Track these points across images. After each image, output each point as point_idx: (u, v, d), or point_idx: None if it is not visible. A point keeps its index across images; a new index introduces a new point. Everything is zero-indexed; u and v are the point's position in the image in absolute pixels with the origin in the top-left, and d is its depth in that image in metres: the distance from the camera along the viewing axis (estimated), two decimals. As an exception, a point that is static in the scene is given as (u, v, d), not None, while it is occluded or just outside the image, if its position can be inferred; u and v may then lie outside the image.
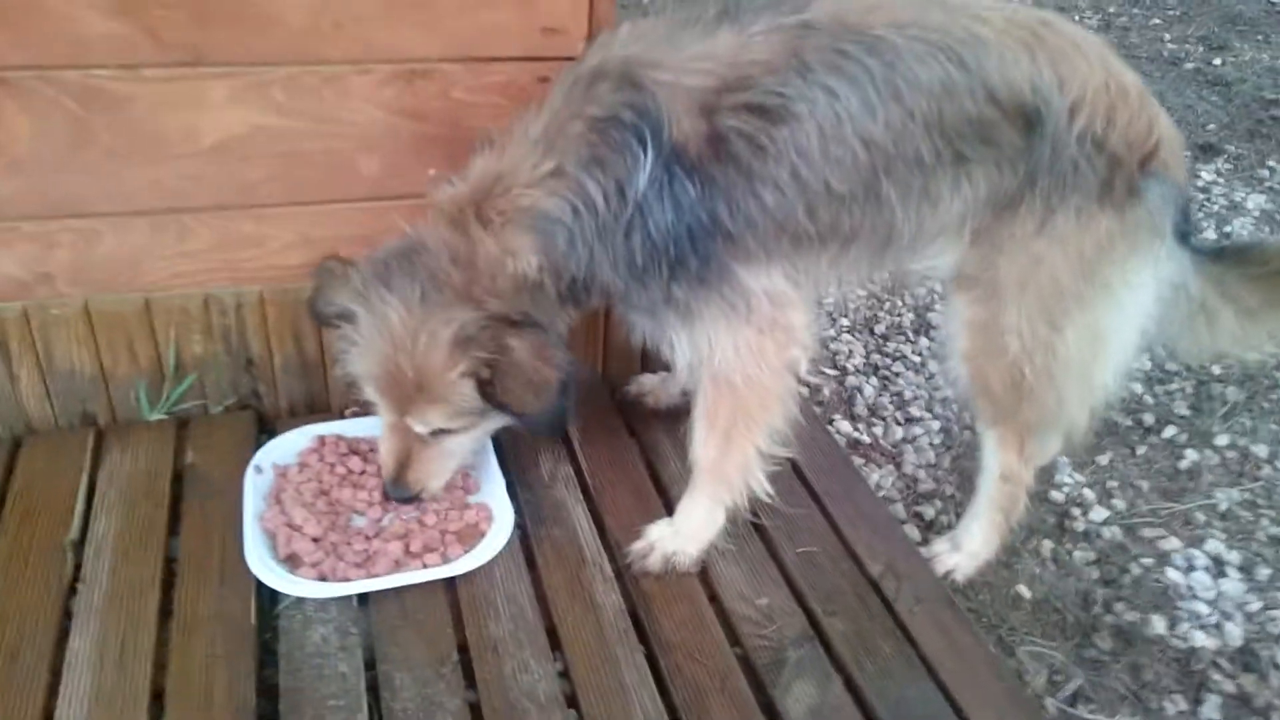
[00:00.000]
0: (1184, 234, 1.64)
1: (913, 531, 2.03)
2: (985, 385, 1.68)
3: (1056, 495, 2.12)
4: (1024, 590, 1.89)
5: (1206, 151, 3.73)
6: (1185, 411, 2.40)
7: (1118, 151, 1.49)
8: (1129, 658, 1.76)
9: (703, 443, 1.67)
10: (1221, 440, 2.30)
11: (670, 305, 1.53)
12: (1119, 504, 2.11)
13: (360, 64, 1.75)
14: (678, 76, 1.42)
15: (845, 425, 2.32)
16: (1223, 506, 2.12)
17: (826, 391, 2.42)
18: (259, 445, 1.86)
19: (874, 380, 2.50)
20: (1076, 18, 5.40)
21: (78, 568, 1.60)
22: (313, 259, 1.82)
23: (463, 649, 1.54)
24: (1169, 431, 2.33)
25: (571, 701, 1.48)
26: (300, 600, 1.56)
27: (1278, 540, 2.04)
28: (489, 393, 1.50)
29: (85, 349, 1.83)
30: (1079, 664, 1.74)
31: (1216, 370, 2.46)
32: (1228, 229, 3.26)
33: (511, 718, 1.43)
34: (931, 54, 1.44)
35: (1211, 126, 3.93)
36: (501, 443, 1.87)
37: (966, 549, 1.87)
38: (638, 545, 1.71)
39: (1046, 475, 2.15)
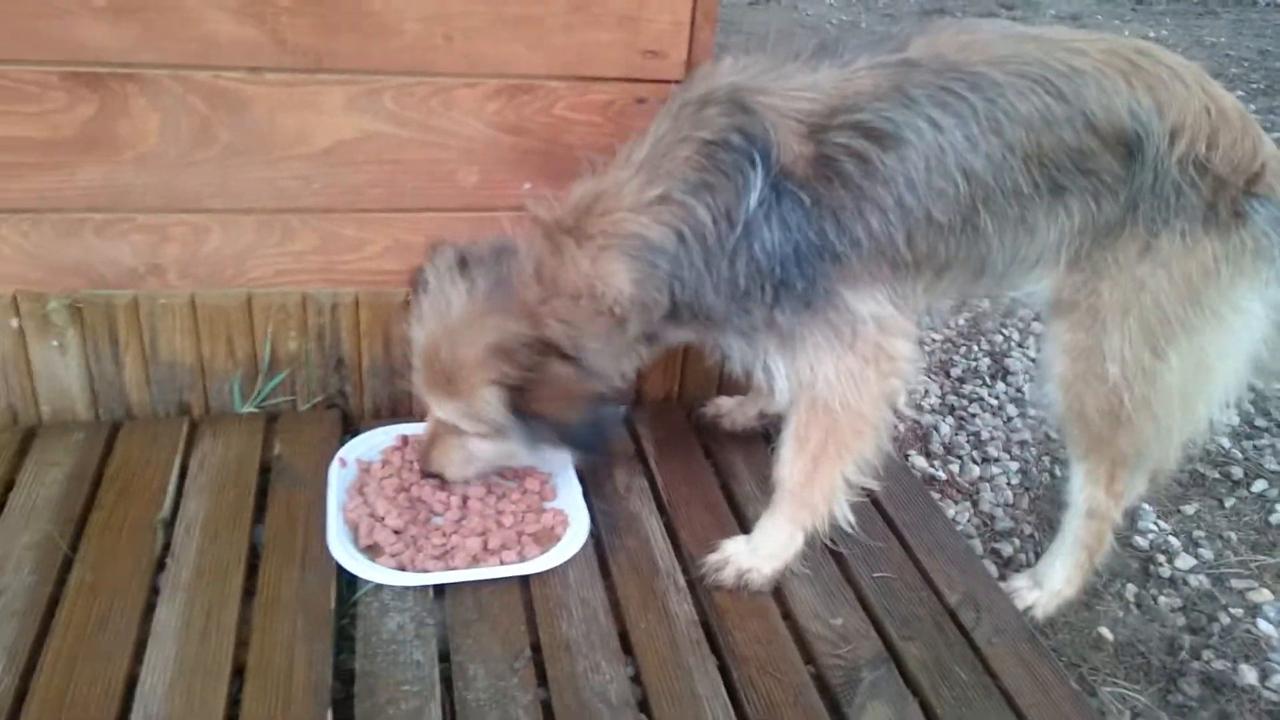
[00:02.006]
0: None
1: (990, 567, 1.98)
2: (1081, 412, 1.65)
3: (1140, 541, 2.06)
4: (1106, 632, 1.83)
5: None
6: (1276, 466, 2.32)
7: (1221, 174, 1.48)
8: (1217, 705, 1.69)
9: (790, 464, 1.66)
10: None
11: (771, 330, 1.53)
12: (1206, 553, 2.03)
13: (468, 77, 1.83)
14: (785, 101, 1.45)
15: (920, 461, 2.29)
16: (1315, 562, 2.04)
17: (901, 428, 2.40)
18: (343, 443, 1.90)
19: (950, 420, 2.46)
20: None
21: (167, 545, 1.65)
22: (407, 265, 1.89)
23: (535, 647, 1.54)
24: (1259, 486, 2.26)
25: (643, 706, 1.46)
26: (379, 588, 1.58)
27: (1370, 598, 1.95)
28: (514, 405, 1.51)
29: (187, 340, 1.91)
30: (1164, 708, 1.67)
31: None
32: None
33: (583, 716, 1.41)
34: (1031, 87, 1.45)
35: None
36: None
37: (1048, 586, 1.82)
38: (713, 558, 1.70)
39: (1130, 521, 2.10)
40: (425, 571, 1.59)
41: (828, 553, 1.77)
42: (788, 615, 1.66)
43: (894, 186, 1.45)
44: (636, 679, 1.51)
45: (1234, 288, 1.54)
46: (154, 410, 1.95)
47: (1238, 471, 2.29)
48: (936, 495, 2.16)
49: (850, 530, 1.72)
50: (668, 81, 1.90)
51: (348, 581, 1.60)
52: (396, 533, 1.65)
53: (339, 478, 1.77)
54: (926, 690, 1.52)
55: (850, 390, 1.58)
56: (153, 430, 1.90)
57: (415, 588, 1.58)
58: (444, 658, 1.50)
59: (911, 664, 1.57)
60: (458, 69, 1.81)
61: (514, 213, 1.83)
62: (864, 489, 1.70)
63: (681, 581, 1.70)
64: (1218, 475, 2.28)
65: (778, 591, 1.70)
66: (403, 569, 1.60)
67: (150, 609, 1.52)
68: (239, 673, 1.44)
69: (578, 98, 1.89)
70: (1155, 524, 2.11)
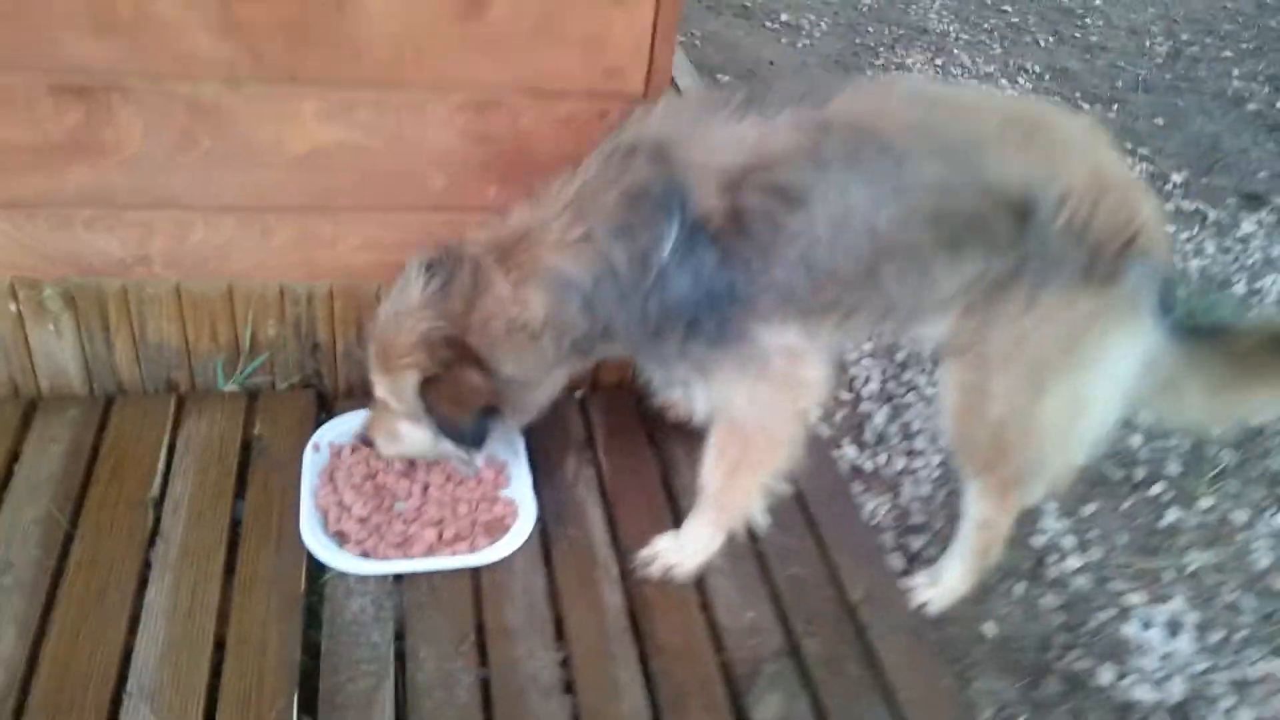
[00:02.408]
0: (1166, 309, 1.76)
1: (898, 561, 2.20)
2: (970, 440, 1.84)
3: (1037, 540, 2.28)
4: (990, 628, 2.06)
5: (1251, 201, 3.77)
6: (1176, 470, 2.52)
7: (1100, 239, 1.62)
8: (1073, 703, 1.93)
9: (710, 474, 1.85)
10: (1205, 502, 2.43)
11: (685, 360, 1.69)
12: (1095, 555, 2.26)
13: (436, 91, 1.92)
14: (706, 156, 1.57)
15: (851, 451, 2.49)
16: (1192, 567, 2.25)
17: (839, 416, 2.59)
18: (318, 421, 2.09)
19: (886, 408, 2.65)
20: (1147, 43, 5.38)
21: (157, 522, 1.85)
22: (379, 259, 2.05)
23: (479, 630, 1.75)
24: (1157, 488, 2.46)
25: (569, 689, 1.69)
26: (343, 573, 1.79)
27: (1236, 607, 2.18)
28: (423, 393, 1.69)
29: (173, 325, 2.06)
30: (1026, 704, 1.92)
31: (1215, 430, 2.58)
32: (1259, 284, 3.33)
33: (516, 698, 1.64)
34: (934, 155, 1.57)
35: (1263, 175, 3.95)
36: (531, 440, 2.08)
37: (943, 584, 2.04)
38: (644, 553, 1.91)
39: (1031, 520, 2.30)
40: (385, 559, 1.80)
41: (750, 547, 1.99)
42: (706, 607, 1.88)
43: (800, 243, 1.58)
44: (566, 663, 1.74)
45: (1108, 337, 1.70)
46: (144, 387, 2.11)
47: (1140, 473, 2.50)
48: (861, 488, 2.36)
49: (769, 528, 1.93)
50: (629, 96, 2.00)
51: (317, 564, 1.81)
52: (361, 521, 1.85)
53: (312, 463, 1.95)
54: (818, 683, 1.75)
55: (763, 414, 1.76)
56: (143, 406, 2.07)
57: (374, 575, 1.79)
58: (399, 637, 1.73)
59: (809, 658, 1.80)
60: (427, 84, 1.90)
61: (479, 213, 1.97)
62: (786, 486, 1.90)
63: (615, 572, 1.91)
64: (1121, 475, 2.48)
65: (700, 584, 1.91)
66: (366, 555, 1.80)
67: (143, 584, 1.72)
68: (219, 647, 1.65)
69: (541, 112, 1.99)
70: (1055, 523, 2.33)
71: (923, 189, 1.59)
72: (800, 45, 5.06)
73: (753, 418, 1.77)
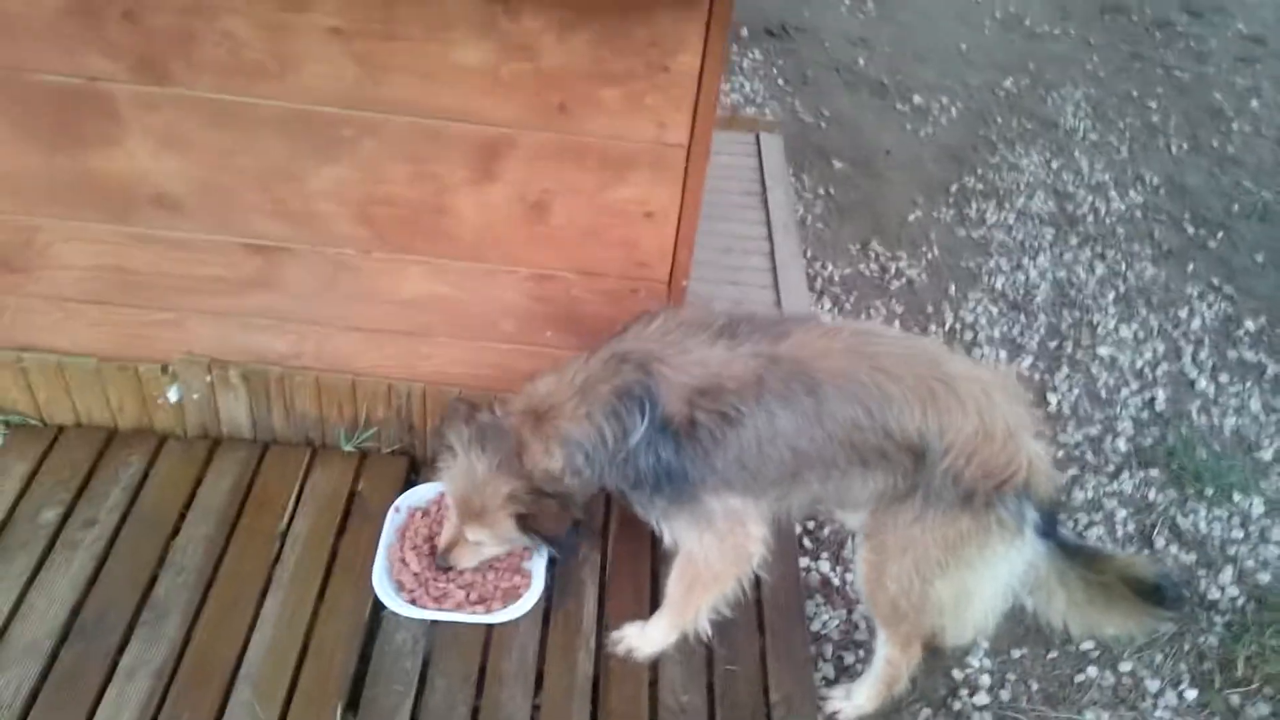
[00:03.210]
0: (1046, 531, 2.16)
1: (831, 671, 2.68)
2: (875, 604, 2.31)
3: (958, 673, 2.69)
4: (886, 743, 2.53)
5: None
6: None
7: (973, 482, 2.04)
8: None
9: (672, 587, 2.41)
10: (1125, 666, 2.72)
11: (655, 507, 2.26)
12: (1004, 696, 2.64)
13: (508, 265, 2.56)
14: (676, 373, 2.11)
15: (826, 565, 2.97)
16: (1086, 726, 2.61)
17: (827, 531, 3.06)
18: (408, 481, 2.81)
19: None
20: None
21: (280, 549, 2.62)
22: (461, 371, 2.72)
23: (482, 671, 2.41)
24: (1087, 644, 2.79)
25: (534, 730, 2.34)
26: (395, 613, 2.49)
27: (1106, 770, 2.52)
28: (525, 526, 2.31)
29: (313, 402, 2.82)
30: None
31: (1081, 639, 2.73)
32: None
33: (494, 727, 2.31)
34: (850, 400, 2.05)
35: None
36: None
37: (854, 701, 2.52)
38: (614, 634, 2.51)
39: (962, 653, 2.72)
40: (425, 609, 2.49)
41: (702, 644, 2.54)
42: (653, 684, 2.46)
43: (734, 450, 2.10)
44: (537, 709, 2.37)
45: (985, 549, 2.12)
46: (290, 439, 2.90)
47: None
48: (823, 600, 2.84)
49: (726, 625, 2.47)
50: (656, 280, 2.57)
51: (378, 602, 2.52)
52: (415, 575, 2.55)
53: (390, 521, 2.67)
54: (721, 764, 2.31)
55: (709, 555, 2.30)
56: (287, 455, 2.86)
57: (415, 619, 2.49)
58: (425, 666, 2.41)
59: (721, 741, 2.36)
60: (501, 260, 2.54)
61: (536, 346, 2.62)
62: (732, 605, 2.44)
63: (592, 644, 2.51)
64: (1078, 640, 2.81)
65: (654, 665, 2.49)
66: (413, 603, 2.50)
67: (264, 596, 2.49)
68: (304, 652, 2.39)
69: (588, 287, 2.59)
70: (981, 660, 2.72)
71: (838, 424, 2.07)
72: (922, 134, 5.33)
73: (701, 557, 2.32)
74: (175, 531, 2.60)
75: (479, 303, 2.63)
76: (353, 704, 2.31)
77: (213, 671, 2.31)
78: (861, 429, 2.07)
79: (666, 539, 2.37)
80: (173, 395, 2.78)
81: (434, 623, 2.49)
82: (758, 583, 2.67)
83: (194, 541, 2.59)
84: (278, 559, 2.59)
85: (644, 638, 2.49)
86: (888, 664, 2.44)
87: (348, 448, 2.91)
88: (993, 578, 2.19)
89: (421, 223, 2.47)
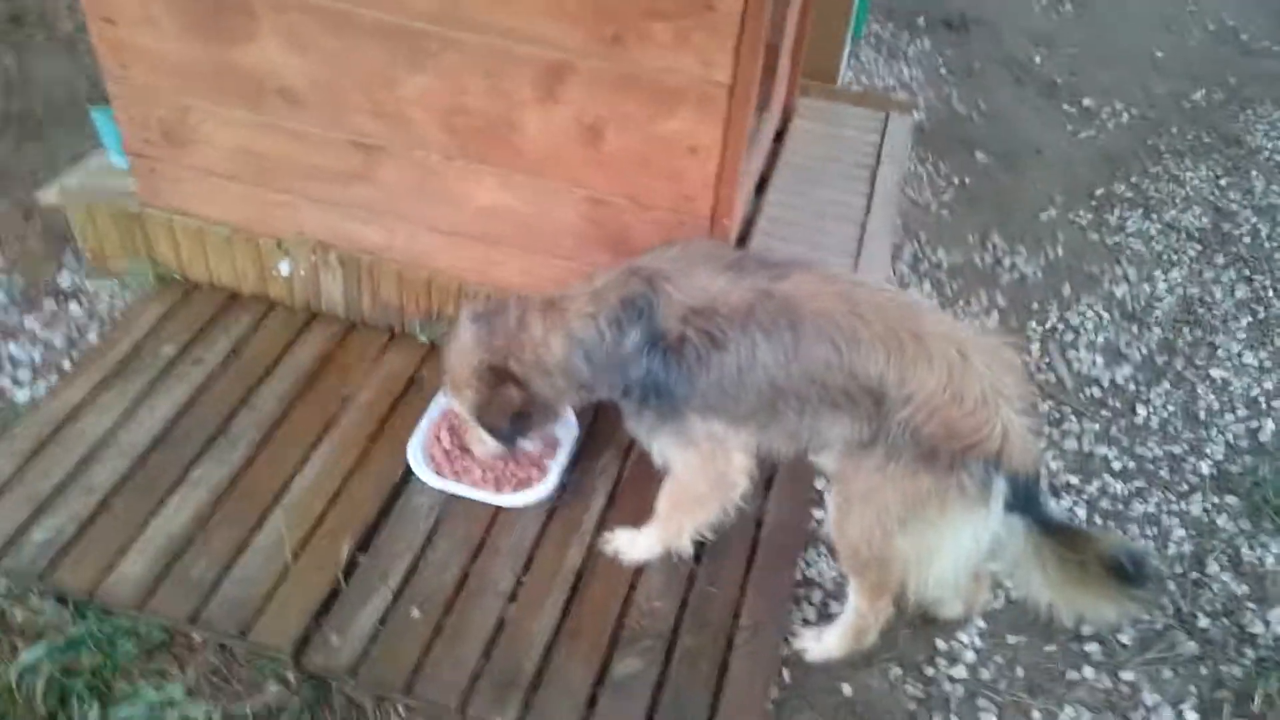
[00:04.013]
0: (1019, 506, 2.15)
1: (813, 614, 2.74)
2: (839, 549, 2.37)
3: (942, 643, 2.67)
4: (846, 689, 2.54)
5: None
6: (1128, 640, 2.70)
7: (934, 440, 2.06)
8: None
9: (660, 503, 2.56)
10: (1128, 674, 2.59)
11: (643, 422, 2.42)
12: (985, 675, 2.59)
13: (567, 185, 2.78)
14: (677, 292, 2.25)
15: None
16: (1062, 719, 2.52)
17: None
18: (464, 376, 3.11)
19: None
20: None
21: (341, 408, 2.98)
22: (528, 283, 2.98)
23: (480, 543, 2.68)
24: (1091, 646, 2.65)
25: (513, 597, 2.56)
26: (419, 479, 2.79)
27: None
28: (475, 407, 2.52)
29: (395, 291, 3.17)
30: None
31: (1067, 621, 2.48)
32: None
33: (481, 593, 2.55)
34: (825, 339, 2.12)
35: None
36: (593, 428, 2.93)
37: (823, 643, 2.58)
38: (606, 534, 2.69)
39: (952, 628, 2.70)
40: (445, 479, 2.77)
41: (688, 563, 2.68)
42: (632, 587, 2.63)
43: (715, 373, 2.23)
44: (520, 582, 2.60)
45: (947, 511, 2.13)
46: (374, 323, 3.27)
47: (1089, 628, 2.71)
48: (825, 553, 2.89)
49: (715, 551, 2.61)
50: (699, 214, 2.71)
51: (408, 468, 2.82)
52: (445, 451, 2.84)
53: (437, 402, 2.97)
54: (673, 664, 2.45)
55: (693, 478, 2.44)
56: (369, 336, 3.23)
57: (436, 488, 2.78)
58: (433, 527, 2.70)
59: (678, 648, 2.48)
60: (562, 179, 2.77)
61: (590, 266, 2.84)
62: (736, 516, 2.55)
63: (587, 540, 2.71)
64: (1072, 624, 2.69)
65: (639, 571, 2.65)
66: (438, 474, 2.79)
67: (314, 446, 2.85)
68: (337, 496, 2.73)
69: (638, 214, 2.77)
70: (970, 638, 2.67)
71: (810, 362, 2.16)
72: (1082, 135, 5.07)
73: (686, 478, 2.47)
74: (261, 381, 3.03)
75: (542, 217, 2.87)
76: (364, 546, 2.64)
77: (258, 496, 2.70)
78: (830, 368, 2.14)
79: (656, 458, 2.52)
80: (284, 269, 3.22)
81: (452, 495, 2.77)
82: (759, 522, 2.80)
83: (273, 391, 3.00)
84: (335, 419, 2.96)
85: (632, 544, 2.66)
86: (856, 614, 2.48)
87: (421, 338, 3.24)
88: (955, 541, 2.19)
89: (495, 134, 2.73)
